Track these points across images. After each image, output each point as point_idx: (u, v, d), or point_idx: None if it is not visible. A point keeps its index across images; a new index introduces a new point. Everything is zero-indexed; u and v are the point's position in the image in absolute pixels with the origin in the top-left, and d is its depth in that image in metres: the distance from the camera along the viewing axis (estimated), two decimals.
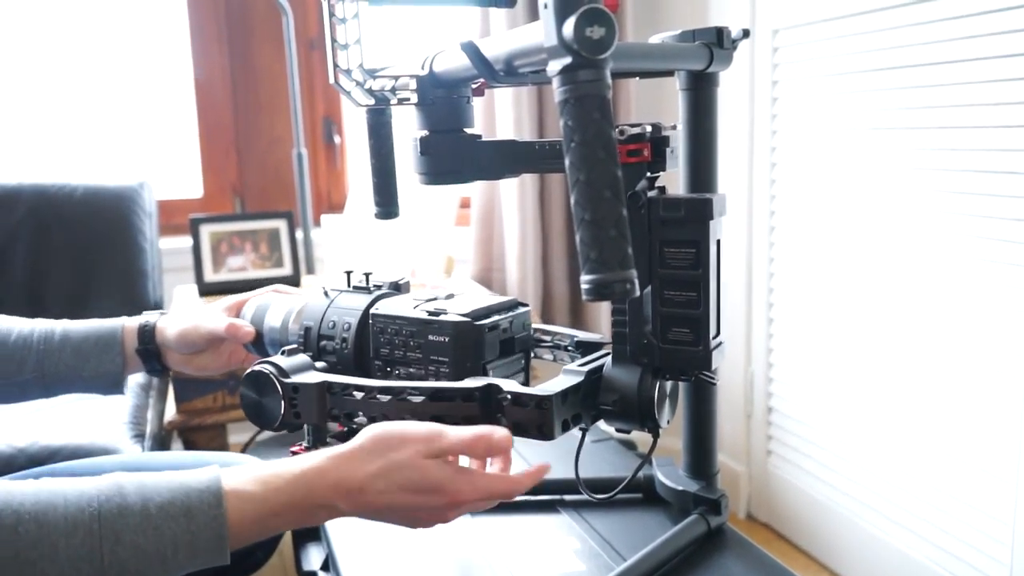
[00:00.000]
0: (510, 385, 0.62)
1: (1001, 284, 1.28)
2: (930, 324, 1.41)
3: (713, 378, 0.64)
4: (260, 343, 0.88)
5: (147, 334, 0.90)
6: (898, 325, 1.48)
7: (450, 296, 0.77)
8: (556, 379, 0.64)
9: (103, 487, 0.59)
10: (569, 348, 0.83)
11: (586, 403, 0.64)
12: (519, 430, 0.61)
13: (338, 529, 0.89)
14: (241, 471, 0.62)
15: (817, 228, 1.65)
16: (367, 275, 0.84)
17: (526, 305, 0.77)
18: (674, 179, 0.88)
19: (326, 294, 0.82)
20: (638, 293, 0.47)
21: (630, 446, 1.14)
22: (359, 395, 0.67)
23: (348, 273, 0.84)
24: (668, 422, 0.65)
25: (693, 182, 0.88)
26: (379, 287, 0.82)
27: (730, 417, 1.97)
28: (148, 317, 0.92)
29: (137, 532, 0.57)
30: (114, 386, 0.91)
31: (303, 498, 0.62)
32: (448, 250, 1.85)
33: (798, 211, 1.71)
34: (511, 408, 0.61)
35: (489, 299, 0.75)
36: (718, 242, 0.63)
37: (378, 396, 0.66)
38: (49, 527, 0.56)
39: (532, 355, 0.81)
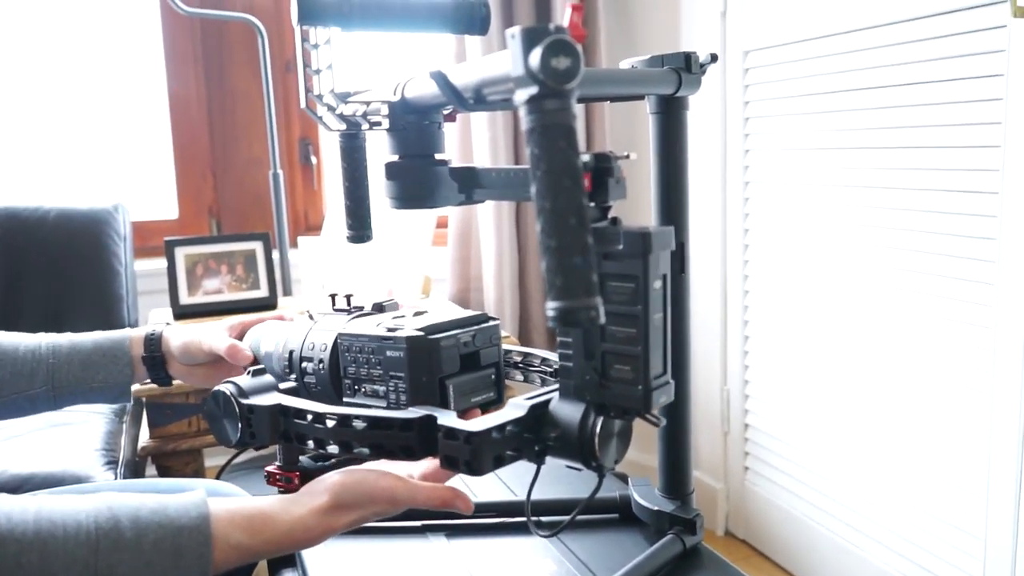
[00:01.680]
0: (446, 418, 0.61)
1: (970, 303, 1.30)
2: (902, 341, 1.43)
3: (656, 420, 0.61)
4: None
5: (153, 342, 0.92)
6: (871, 342, 1.50)
7: (419, 314, 0.77)
8: (496, 413, 0.62)
9: (100, 519, 0.60)
10: (539, 369, 0.83)
11: (528, 438, 0.62)
12: (450, 463, 0.60)
13: (314, 556, 0.88)
14: (230, 512, 0.64)
15: (790, 246, 1.67)
16: (348, 297, 0.84)
17: (495, 319, 0.77)
18: (644, 204, 0.89)
19: (311, 317, 0.83)
20: (603, 320, 0.48)
21: None
22: (308, 419, 0.68)
23: (332, 296, 0.85)
24: (616, 462, 0.62)
25: (664, 205, 0.89)
26: (359, 308, 0.82)
27: (707, 435, 1.98)
28: (155, 327, 0.94)
29: (130, 568, 0.59)
30: (122, 395, 0.93)
31: (287, 546, 0.65)
32: (425, 270, 1.85)
33: (771, 230, 1.73)
34: (443, 441, 0.60)
35: (454, 315, 0.76)
36: (664, 276, 0.60)
37: (325, 422, 0.66)
38: (50, 558, 0.57)
39: (506, 373, 0.82)
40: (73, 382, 0.89)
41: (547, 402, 0.63)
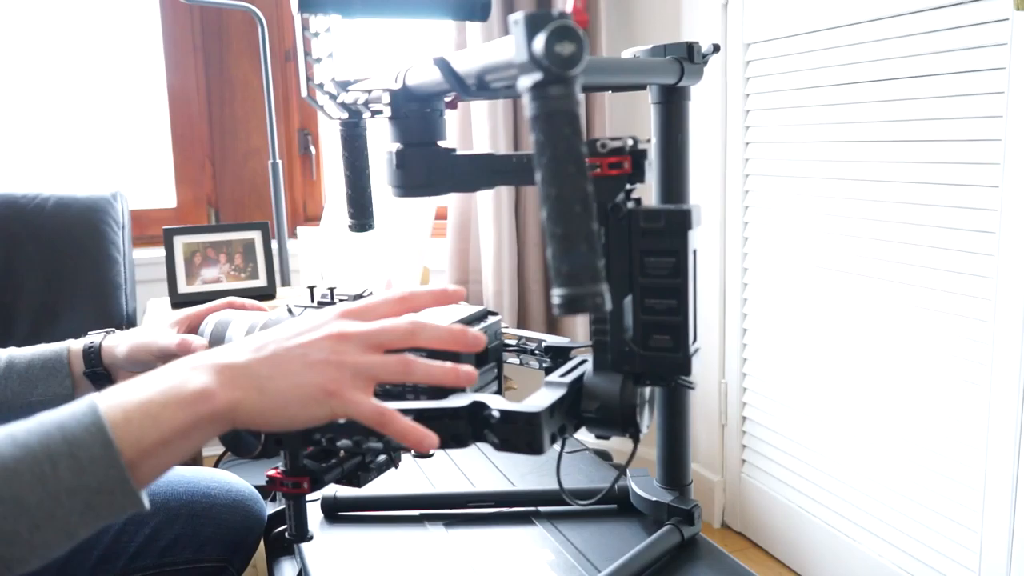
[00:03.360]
0: (497, 402, 0.62)
1: (969, 296, 1.30)
2: (901, 334, 1.43)
3: (691, 383, 0.66)
4: None
5: (92, 356, 0.88)
6: (870, 335, 1.50)
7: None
8: (540, 392, 0.64)
9: None
10: (536, 352, 0.83)
11: (570, 413, 0.65)
12: (508, 446, 0.61)
13: (312, 545, 0.88)
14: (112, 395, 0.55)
15: (790, 239, 1.67)
16: (331, 289, 0.82)
17: (497, 314, 0.77)
18: (646, 191, 0.89)
19: (290, 311, 0.80)
20: (609, 307, 0.48)
21: (604, 456, 1.14)
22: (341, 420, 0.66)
23: (311, 288, 0.83)
24: (647, 427, 0.67)
25: (665, 193, 0.89)
26: (343, 301, 0.81)
27: (705, 427, 1.98)
28: (93, 338, 0.89)
29: (6, 454, 0.50)
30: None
31: (176, 364, 0.56)
32: (424, 261, 1.85)
33: (771, 222, 1.73)
34: (500, 426, 0.61)
35: (461, 310, 0.75)
36: (694, 252, 0.64)
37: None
38: None
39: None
40: (10, 396, 0.87)
41: (581, 376, 0.66)
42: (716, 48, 0.87)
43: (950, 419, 1.36)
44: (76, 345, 0.89)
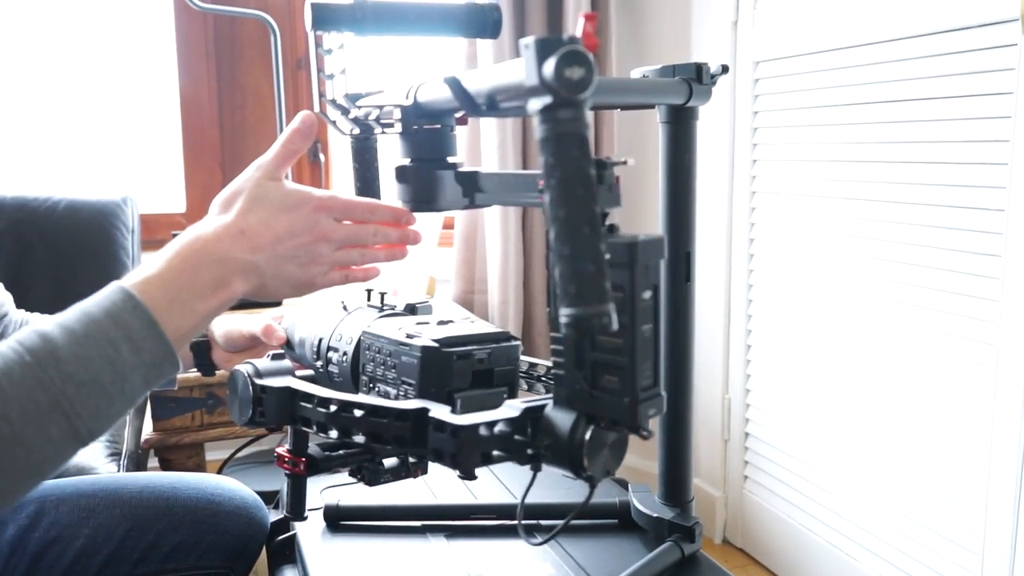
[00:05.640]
0: (439, 411, 0.61)
1: (973, 318, 1.30)
2: (904, 354, 1.43)
3: (644, 432, 0.59)
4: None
5: None
6: (874, 354, 1.50)
7: (444, 323, 0.77)
8: (490, 411, 0.62)
9: (15, 340, 0.58)
10: (543, 379, 0.84)
11: (521, 441, 0.61)
12: (438, 456, 0.60)
13: (314, 552, 0.89)
14: (131, 272, 0.65)
15: (795, 256, 1.68)
16: (382, 295, 0.87)
17: (516, 339, 0.76)
18: (654, 210, 0.90)
19: (344, 308, 0.85)
20: (615, 327, 0.48)
21: None
22: (312, 403, 0.69)
23: (368, 291, 0.87)
24: (609, 472, 0.60)
25: (671, 213, 0.90)
26: (392, 307, 0.84)
27: (707, 443, 1.98)
28: None
29: (71, 345, 0.58)
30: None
31: (195, 256, 0.65)
32: (430, 271, 1.86)
33: (777, 239, 1.73)
34: (433, 434, 0.60)
35: (477, 328, 0.76)
36: (655, 287, 0.58)
37: (329, 406, 0.67)
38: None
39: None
40: None
41: (542, 407, 0.62)
42: (725, 69, 0.88)
43: (953, 439, 1.35)
44: None
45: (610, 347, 0.58)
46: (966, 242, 1.30)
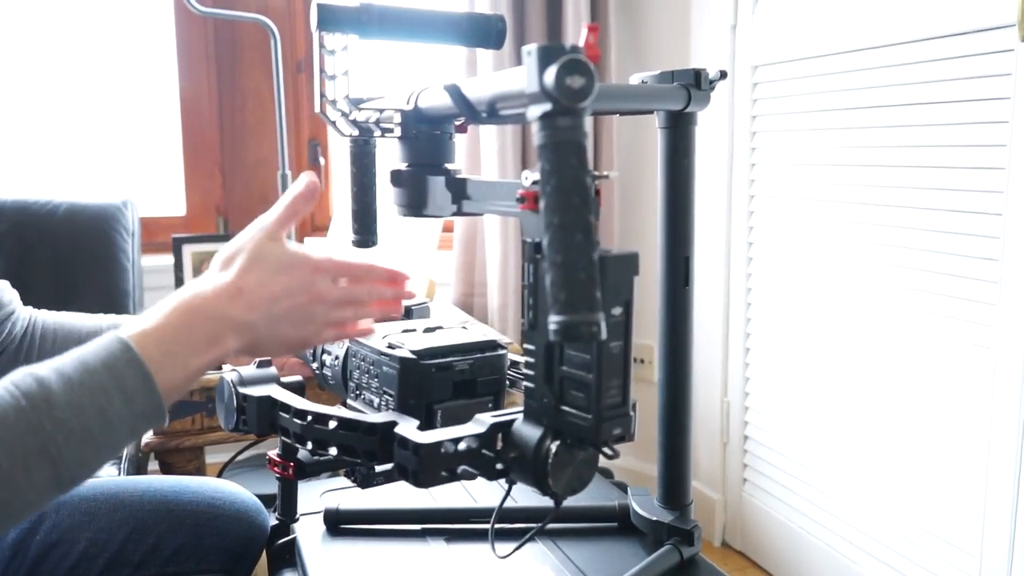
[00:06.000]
0: (406, 426, 0.61)
1: (971, 323, 1.31)
2: (902, 358, 1.44)
3: (609, 453, 0.57)
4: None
5: None
6: (871, 358, 1.51)
7: (431, 330, 0.78)
8: (456, 427, 0.61)
9: (10, 382, 0.58)
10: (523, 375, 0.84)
11: (488, 456, 0.60)
12: (401, 472, 0.60)
13: (313, 555, 0.89)
14: (129, 323, 0.66)
15: (793, 261, 1.68)
16: None
17: (503, 348, 0.77)
18: (652, 214, 0.90)
19: None
20: (604, 336, 0.48)
21: (606, 474, 1.15)
22: (289, 414, 0.70)
23: None
24: (574, 491, 0.58)
25: (670, 219, 0.90)
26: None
27: (707, 446, 1.99)
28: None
29: (65, 392, 0.58)
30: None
31: (192, 313, 0.66)
32: (430, 273, 1.86)
33: (775, 244, 1.74)
34: (397, 449, 0.60)
35: (464, 337, 0.76)
36: (626, 303, 0.57)
37: (305, 417, 0.68)
38: None
39: (511, 384, 0.83)
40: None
41: (511, 421, 0.61)
42: (723, 74, 0.88)
43: (951, 443, 1.36)
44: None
45: (578, 362, 0.57)
46: (963, 246, 1.31)
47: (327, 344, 0.82)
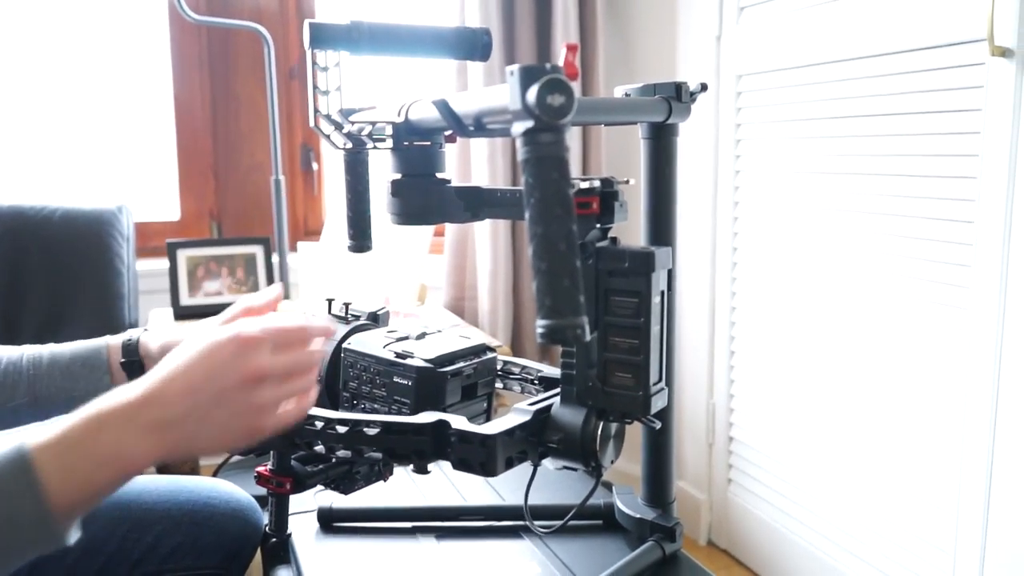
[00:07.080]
0: (459, 422, 0.64)
1: (952, 327, 1.34)
2: (884, 361, 1.47)
3: (654, 422, 0.66)
4: None
5: (130, 348, 0.90)
6: (855, 360, 1.54)
7: (421, 336, 0.80)
8: (504, 417, 0.66)
9: None
10: (535, 382, 0.87)
11: (532, 441, 0.66)
12: (464, 465, 0.63)
13: (307, 553, 0.92)
14: (34, 431, 0.61)
15: (777, 266, 1.72)
16: (346, 305, 0.87)
17: (493, 350, 0.80)
18: (635, 224, 0.93)
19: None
20: (588, 338, 0.52)
21: None
22: (319, 425, 0.70)
23: (329, 301, 0.87)
24: (612, 462, 0.67)
25: (653, 226, 0.93)
26: (357, 317, 0.85)
27: (692, 446, 2.02)
28: (131, 333, 0.93)
29: None
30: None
31: (99, 419, 0.60)
32: (421, 278, 1.89)
33: (759, 250, 1.77)
34: (458, 445, 0.63)
35: (457, 343, 0.79)
36: (662, 293, 0.65)
37: (336, 427, 0.69)
38: None
39: (504, 386, 0.86)
40: (54, 392, 0.88)
41: (549, 407, 0.67)
42: (704, 87, 0.91)
43: (927, 445, 1.39)
44: (115, 340, 0.91)
45: (624, 347, 0.65)
46: (938, 252, 1.35)
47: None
